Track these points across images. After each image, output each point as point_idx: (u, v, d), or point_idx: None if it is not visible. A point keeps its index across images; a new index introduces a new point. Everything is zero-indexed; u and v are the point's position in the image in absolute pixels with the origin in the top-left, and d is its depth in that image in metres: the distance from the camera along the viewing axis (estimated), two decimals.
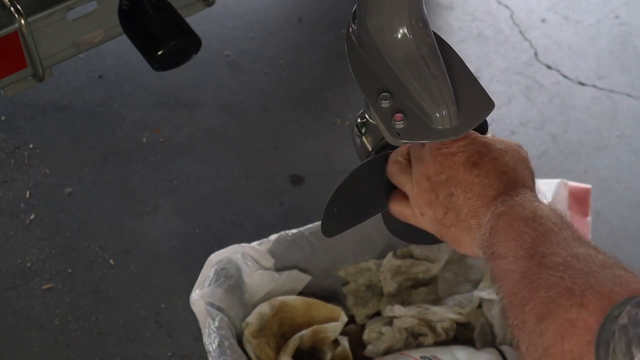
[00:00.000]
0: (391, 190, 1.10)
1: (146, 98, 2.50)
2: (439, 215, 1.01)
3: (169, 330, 2.06)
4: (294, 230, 1.81)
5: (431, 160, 1.01)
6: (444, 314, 1.76)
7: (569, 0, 2.78)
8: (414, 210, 1.05)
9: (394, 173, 1.07)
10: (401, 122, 1.01)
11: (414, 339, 1.77)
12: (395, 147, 1.09)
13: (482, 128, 1.08)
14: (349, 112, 2.46)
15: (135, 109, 2.47)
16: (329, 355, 1.76)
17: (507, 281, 0.87)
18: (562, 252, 0.84)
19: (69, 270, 2.15)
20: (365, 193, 1.12)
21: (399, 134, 1.01)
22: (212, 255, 1.78)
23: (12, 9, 1.36)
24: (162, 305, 2.10)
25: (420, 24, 1.03)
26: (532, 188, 0.98)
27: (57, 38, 1.43)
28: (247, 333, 1.74)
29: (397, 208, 1.08)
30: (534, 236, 0.87)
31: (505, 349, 1.72)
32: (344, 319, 1.78)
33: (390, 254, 1.84)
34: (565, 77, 2.58)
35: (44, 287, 2.13)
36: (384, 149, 1.11)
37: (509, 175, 0.97)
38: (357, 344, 1.80)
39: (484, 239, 0.94)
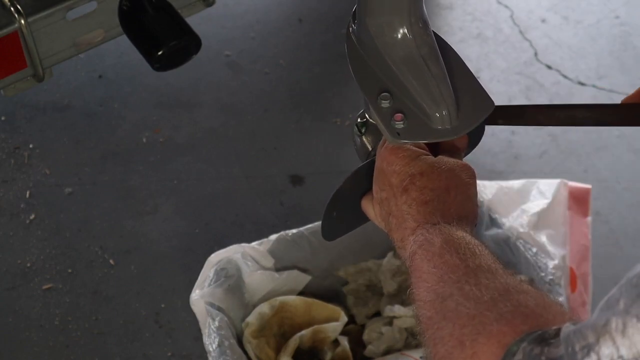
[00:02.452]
0: None
1: (146, 98, 2.50)
2: (386, 229, 1.03)
3: (169, 330, 2.06)
4: (294, 230, 1.81)
5: (378, 176, 1.02)
6: None
7: (569, 0, 2.78)
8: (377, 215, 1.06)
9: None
10: (401, 122, 1.01)
11: (413, 339, 1.77)
12: None
13: (480, 128, 1.08)
14: (349, 112, 2.46)
15: (135, 109, 2.47)
16: (329, 355, 1.76)
17: (419, 327, 0.90)
18: (456, 294, 0.85)
19: (69, 270, 2.15)
20: (363, 196, 1.12)
21: (399, 134, 1.01)
22: (212, 255, 1.78)
23: (12, 9, 1.36)
24: (162, 305, 2.10)
25: (421, 24, 1.03)
26: (457, 216, 0.96)
27: (57, 38, 1.43)
28: (247, 333, 1.74)
29: (364, 204, 1.09)
30: (438, 276, 0.89)
31: None
32: (344, 319, 1.78)
33: (390, 254, 1.84)
34: (565, 77, 2.58)
35: (44, 287, 2.13)
36: None
37: (431, 205, 0.97)
38: (357, 344, 1.80)
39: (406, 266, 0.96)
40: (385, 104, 1.02)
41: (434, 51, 1.02)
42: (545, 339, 0.75)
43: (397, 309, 1.76)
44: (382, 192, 1.01)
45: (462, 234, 0.92)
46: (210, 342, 1.66)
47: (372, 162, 1.09)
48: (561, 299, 1.73)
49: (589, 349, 0.69)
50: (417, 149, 1.01)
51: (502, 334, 0.79)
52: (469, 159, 1.20)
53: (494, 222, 1.83)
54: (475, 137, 1.10)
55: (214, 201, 2.28)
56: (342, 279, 1.86)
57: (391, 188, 0.99)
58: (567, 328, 0.73)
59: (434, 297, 0.87)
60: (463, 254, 0.90)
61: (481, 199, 1.84)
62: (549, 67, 2.60)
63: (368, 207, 1.07)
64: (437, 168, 0.98)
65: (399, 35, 1.03)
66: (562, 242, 1.81)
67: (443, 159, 1.00)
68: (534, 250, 1.78)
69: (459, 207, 0.98)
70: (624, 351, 0.66)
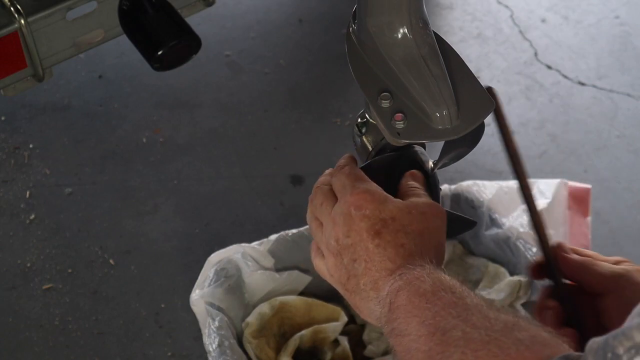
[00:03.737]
0: (389, 193, 1.09)
1: (146, 98, 2.50)
2: (343, 280, 0.97)
3: (169, 330, 2.06)
4: (294, 230, 1.81)
5: (341, 222, 0.97)
6: None
7: (569, 0, 2.78)
8: (326, 270, 1.01)
9: (312, 231, 1.04)
10: (401, 122, 1.01)
11: None
12: (395, 147, 1.09)
13: (480, 128, 1.08)
14: (349, 112, 2.46)
15: (135, 109, 2.47)
16: (329, 355, 1.76)
17: None
18: (462, 325, 0.82)
19: (69, 270, 2.15)
20: None
21: (399, 134, 1.01)
22: (212, 255, 1.78)
23: (12, 9, 1.36)
24: (162, 305, 2.10)
25: (421, 24, 1.03)
26: (432, 259, 0.93)
27: (57, 38, 1.43)
28: (247, 333, 1.74)
29: (316, 262, 1.04)
30: (434, 311, 0.85)
31: None
32: (344, 319, 1.78)
33: None
34: (565, 77, 2.58)
35: (44, 287, 2.13)
36: (384, 149, 1.10)
37: (407, 247, 0.93)
38: (357, 344, 1.80)
39: (382, 312, 0.91)
40: (385, 103, 1.02)
41: (434, 51, 1.02)
42: (571, 358, 0.72)
43: None
44: (346, 238, 0.96)
45: (449, 277, 0.89)
46: (210, 342, 1.66)
47: (370, 164, 1.09)
48: None
49: (637, 349, 0.65)
50: (382, 191, 0.98)
51: (524, 358, 0.76)
52: (470, 159, 1.20)
53: (494, 222, 1.83)
54: (475, 137, 1.10)
55: (214, 201, 2.28)
56: None
57: (359, 233, 0.95)
58: (592, 342, 0.70)
59: (432, 330, 0.83)
60: (460, 293, 0.86)
61: (481, 199, 1.84)
62: (549, 67, 2.60)
63: (319, 262, 1.02)
64: (408, 212, 0.96)
65: (399, 35, 1.02)
66: None
67: (413, 201, 0.98)
68: (534, 250, 1.78)
69: (434, 251, 0.95)
70: None
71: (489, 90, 1.05)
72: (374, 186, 0.99)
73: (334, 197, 1.01)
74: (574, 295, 1.01)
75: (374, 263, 0.94)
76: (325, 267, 1.01)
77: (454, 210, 1.31)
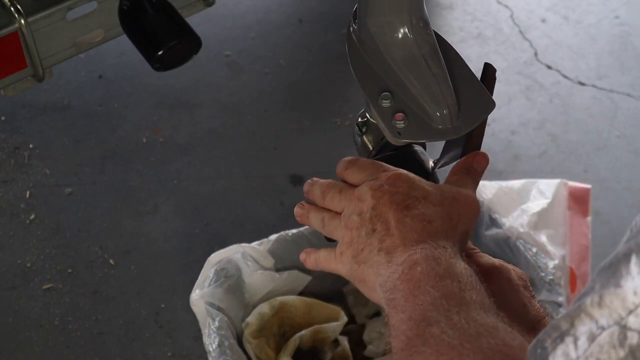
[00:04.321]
0: None
1: (146, 98, 2.50)
2: (356, 252, 0.98)
3: (169, 330, 2.06)
4: (294, 230, 1.81)
5: (369, 197, 0.97)
6: None
7: (569, 0, 2.78)
8: (335, 252, 1.02)
9: (324, 223, 1.04)
10: (402, 122, 1.01)
11: None
12: (396, 146, 1.09)
13: (481, 128, 1.08)
14: (349, 112, 2.46)
15: (135, 109, 2.47)
16: (329, 355, 1.76)
17: (395, 340, 0.87)
18: (443, 322, 0.84)
19: (69, 270, 2.15)
20: None
21: (399, 134, 1.01)
22: (212, 255, 1.78)
23: (12, 9, 1.36)
24: (162, 305, 2.10)
25: (421, 24, 1.03)
26: (457, 242, 0.95)
27: (57, 38, 1.43)
28: (247, 333, 1.74)
29: (315, 255, 1.05)
30: (433, 297, 0.86)
31: None
32: (344, 319, 1.78)
33: None
34: (565, 77, 2.58)
35: (44, 287, 2.13)
36: (385, 149, 1.11)
37: (434, 225, 0.94)
38: (357, 344, 1.80)
39: (390, 278, 0.92)
40: (386, 103, 1.02)
41: (434, 51, 1.02)
42: None
43: None
44: (372, 210, 0.96)
45: (465, 266, 0.90)
46: (210, 342, 1.66)
47: None
48: (561, 299, 1.73)
49: (561, 337, 0.65)
50: (420, 177, 0.99)
51: None
52: None
53: (494, 222, 1.83)
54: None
55: (214, 201, 2.28)
56: (342, 279, 1.85)
57: (386, 205, 0.95)
58: (530, 344, 0.70)
59: (420, 319, 0.85)
60: (464, 285, 0.87)
61: (481, 199, 1.84)
62: (549, 67, 2.60)
63: (316, 253, 1.04)
64: (441, 194, 0.96)
65: (400, 35, 1.03)
66: (562, 242, 1.81)
67: (447, 186, 0.99)
68: (534, 250, 1.78)
69: (459, 237, 0.96)
70: (603, 321, 0.62)
71: (487, 66, 1.05)
72: (409, 172, 1.00)
73: (352, 186, 1.01)
74: None
75: (397, 231, 0.94)
76: (330, 254, 1.01)
77: None
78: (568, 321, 0.65)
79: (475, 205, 0.98)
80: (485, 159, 1.04)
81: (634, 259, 0.62)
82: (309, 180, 1.09)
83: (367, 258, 0.96)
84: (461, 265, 0.90)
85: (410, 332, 0.85)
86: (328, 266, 1.04)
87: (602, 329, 0.62)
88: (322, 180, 1.07)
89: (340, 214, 1.01)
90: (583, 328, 0.63)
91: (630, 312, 0.61)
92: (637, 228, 0.64)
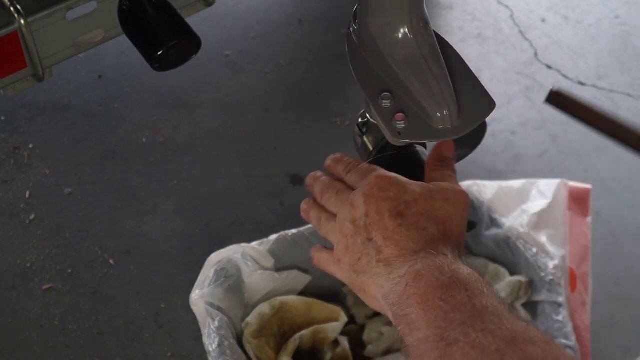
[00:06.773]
0: None
1: (146, 98, 2.50)
2: (353, 261, 0.97)
3: (169, 330, 2.06)
4: (294, 230, 1.81)
5: (361, 204, 0.96)
6: None
7: (569, 0, 2.78)
8: (333, 257, 1.01)
9: (321, 223, 1.04)
10: (402, 122, 1.01)
11: None
12: (396, 147, 1.09)
13: (482, 128, 1.08)
14: (349, 112, 2.46)
15: (135, 109, 2.47)
16: (329, 355, 1.76)
17: (411, 354, 0.87)
18: (462, 341, 0.83)
19: (69, 270, 2.15)
20: None
21: (400, 134, 1.01)
22: (212, 255, 1.78)
23: (12, 9, 1.36)
24: (162, 305, 2.10)
25: (421, 24, 1.03)
26: (454, 247, 0.94)
27: (57, 38, 1.43)
28: (247, 333, 1.74)
29: (317, 255, 1.05)
30: (445, 311, 0.85)
31: None
32: (344, 319, 1.78)
33: None
34: (565, 77, 2.58)
35: (44, 287, 2.13)
36: (385, 149, 1.11)
37: (430, 232, 0.93)
38: (357, 344, 1.80)
39: (394, 290, 0.91)
40: (386, 103, 1.02)
41: (435, 51, 1.03)
42: None
43: None
44: (364, 218, 0.95)
45: (469, 270, 0.90)
46: (210, 342, 1.66)
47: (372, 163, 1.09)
48: (561, 299, 1.73)
49: None
50: (405, 178, 0.98)
51: None
52: (470, 159, 1.20)
53: (494, 222, 1.83)
54: (477, 138, 1.10)
55: (214, 201, 2.28)
56: None
57: (379, 213, 0.94)
58: None
59: (438, 339, 0.84)
60: (472, 292, 0.86)
61: (481, 199, 1.84)
62: (549, 67, 2.60)
63: (320, 252, 1.04)
64: (431, 197, 0.96)
65: (400, 35, 1.03)
66: (562, 242, 1.81)
67: (437, 185, 0.98)
68: (534, 250, 1.78)
69: (455, 240, 0.95)
70: None
71: (556, 92, 1.05)
72: (397, 175, 0.99)
73: (349, 188, 1.01)
74: None
75: (394, 241, 0.93)
76: (330, 257, 1.01)
77: None
78: None
79: (465, 200, 0.98)
80: (449, 143, 1.04)
81: None
82: (312, 174, 1.08)
83: (365, 268, 0.96)
84: (465, 271, 0.89)
85: (432, 354, 0.84)
86: (328, 269, 1.04)
87: None
88: (323, 178, 1.07)
89: (336, 216, 1.01)
90: None
91: None
92: None
